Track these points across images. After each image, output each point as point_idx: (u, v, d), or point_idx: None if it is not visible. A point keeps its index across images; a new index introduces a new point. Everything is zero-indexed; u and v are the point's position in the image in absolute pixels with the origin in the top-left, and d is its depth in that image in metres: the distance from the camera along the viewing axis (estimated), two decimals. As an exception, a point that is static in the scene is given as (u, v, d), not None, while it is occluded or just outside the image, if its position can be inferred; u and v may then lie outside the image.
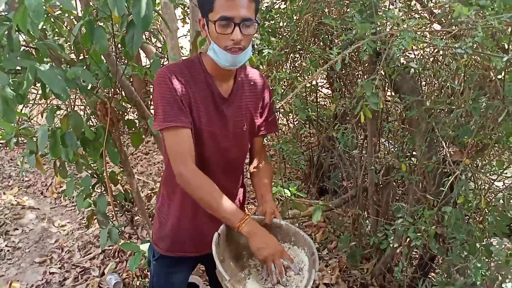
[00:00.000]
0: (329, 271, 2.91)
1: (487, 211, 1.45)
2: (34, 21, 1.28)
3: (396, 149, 2.50)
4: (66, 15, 2.14)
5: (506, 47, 1.49)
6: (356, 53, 2.66)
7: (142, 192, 4.18)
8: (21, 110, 5.56)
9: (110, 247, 3.29)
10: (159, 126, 1.37)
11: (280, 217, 1.47)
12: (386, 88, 2.50)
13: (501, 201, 1.51)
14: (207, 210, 1.40)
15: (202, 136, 1.45)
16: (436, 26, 2.11)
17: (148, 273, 2.07)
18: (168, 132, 1.37)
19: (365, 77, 2.53)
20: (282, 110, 3.38)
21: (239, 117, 1.53)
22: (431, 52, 2.30)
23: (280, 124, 4.56)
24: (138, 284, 2.84)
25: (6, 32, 1.41)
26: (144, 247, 2.10)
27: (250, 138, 1.61)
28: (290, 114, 3.80)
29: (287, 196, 2.59)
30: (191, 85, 1.42)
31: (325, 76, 3.52)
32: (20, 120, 5.38)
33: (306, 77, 2.22)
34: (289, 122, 4.44)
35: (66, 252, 3.38)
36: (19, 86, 1.47)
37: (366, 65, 2.61)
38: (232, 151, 1.54)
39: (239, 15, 1.28)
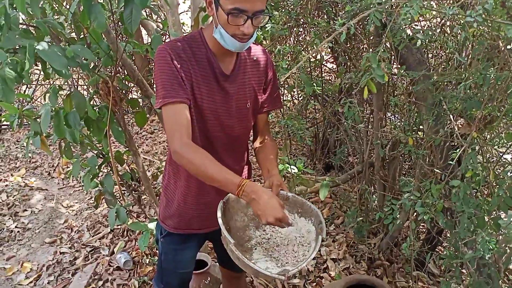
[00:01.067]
0: (336, 246, 2.92)
1: (495, 184, 1.43)
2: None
3: (402, 123, 2.47)
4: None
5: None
6: (361, 26, 2.61)
7: (149, 171, 4.19)
8: (24, 91, 5.56)
9: (119, 226, 3.32)
10: (159, 104, 1.35)
11: (287, 189, 1.46)
12: (392, 61, 2.45)
13: (509, 174, 1.49)
14: (206, 181, 1.36)
15: (205, 114, 1.43)
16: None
17: (157, 251, 2.08)
18: (165, 107, 1.34)
19: (371, 50, 2.48)
20: (287, 85, 3.35)
21: (242, 94, 1.50)
22: (438, 23, 2.24)
23: (285, 100, 4.52)
24: (147, 262, 2.87)
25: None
26: (152, 225, 2.11)
27: (254, 115, 1.59)
28: (295, 90, 3.77)
29: (294, 172, 2.57)
30: (192, 61, 1.39)
31: (329, 50, 3.47)
32: (23, 101, 5.39)
33: (310, 51, 2.18)
34: (293, 99, 4.40)
35: (75, 232, 3.42)
36: (17, 65, 1.45)
37: (371, 38, 2.56)
38: (235, 129, 1.52)
39: (253, 9, 1.25)
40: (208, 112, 1.44)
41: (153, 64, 5.19)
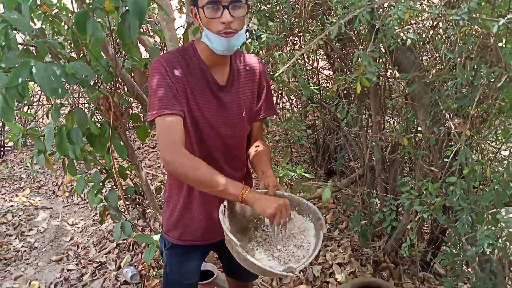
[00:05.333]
0: (341, 251, 2.93)
1: (491, 180, 1.46)
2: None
3: (400, 125, 2.49)
4: (64, 13, 2.15)
5: (503, 13, 1.48)
6: (355, 31, 2.64)
7: (152, 184, 4.21)
8: (26, 111, 5.61)
9: (124, 241, 3.33)
10: (153, 116, 1.36)
11: (282, 189, 1.49)
12: (386, 64, 2.48)
13: (502, 169, 1.51)
14: (206, 190, 1.38)
15: (201, 124, 1.46)
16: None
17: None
18: (159, 119, 1.35)
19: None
20: (286, 89, 3.37)
21: (237, 103, 1.53)
22: (430, 24, 2.27)
23: (284, 108, 4.55)
24: (154, 274, 2.88)
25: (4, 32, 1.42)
26: (158, 238, 2.13)
27: (249, 123, 1.61)
28: (293, 98, 3.80)
29: (295, 177, 2.59)
30: (187, 73, 1.42)
31: (326, 57, 3.51)
32: (26, 120, 5.44)
33: (305, 55, 2.21)
34: (292, 106, 4.43)
35: (81, 248, 3.43)
36: (18, 84, 1.48)
37: (365, 43, 2.60)
38: (232, 138, 1.55)
39: None
40: (204, 122, 1.46)
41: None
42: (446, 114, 1.80)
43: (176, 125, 1.36)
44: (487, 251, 1.36)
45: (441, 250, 2.50)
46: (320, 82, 3.78)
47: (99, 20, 1.92)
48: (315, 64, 3.69)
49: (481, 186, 2.00)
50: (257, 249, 1.42)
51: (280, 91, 3.53)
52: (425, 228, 3.01)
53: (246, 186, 1.34)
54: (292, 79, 3.19)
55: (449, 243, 1.90)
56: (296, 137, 2.26)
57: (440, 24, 2.22)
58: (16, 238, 3.66)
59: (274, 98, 4.11)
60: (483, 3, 1.44)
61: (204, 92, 1.45)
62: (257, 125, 1.68)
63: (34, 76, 1.47)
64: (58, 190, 4.59)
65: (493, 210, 1.45)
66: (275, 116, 1.79)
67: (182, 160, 1.32)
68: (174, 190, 1.65)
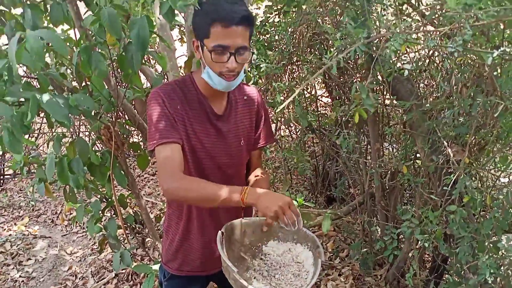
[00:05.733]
0: (342, 280, 2.90)
1: (491, 208, 1.46)
2: (36, 62, 1.33)
3: (399, 153, 2.50)
4: (67, 44, 2.19)
5: (498, 43, 1.51)
6: (353, 61, 2.69)
7: (151, 213, 4.19)
8: (27, 138, 5.63)
9: (123, 271, 3.29)
10: (153, 146, 1.38)
11: None
12: (384, 93, 2.52)
13: (501, 197, 1.51)
14: (207, 205, 1.38)
15: (199, 153, 1.48)
16: (430, 28, 2.14)
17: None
18: (158, 148, 1.37)
19: (363, 83, 2.55)
20: (283, 118, 3.41)
21: (235, 133, 1.55)
22: (426, 54, 2.32)
23: (283, 136, 4.57)
24: (153, 305, 2.84)
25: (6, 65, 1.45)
26: (157, 268, 2.11)
27: (248, 152, 1.63)
28: (292, 125, 3.83)
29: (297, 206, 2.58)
30: (184, 103, 1.44)
31: (324, 85, 3.56)
32: (27, 149, 5.45)
33: (304, 85, 2.25)
34: (291, 133, 4.46)
35: (80, 278, 3.39)
36: (23, 116, 1.50)
37: (363, 72, 2.64)
38: (230, 166, 1.56)
39: (234, 44, 1.31)
40: (203, 151, 1.48)
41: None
42: (444, 142, 1.82)
43: (174, 153, 1.38)
44: (489, 280, 1.35)
45: (444, 278, 2.47)
46: (319, 109, 3.82)
47: (100, 50, 1.96)
48: (313, 92, 3.74)
49: (481, 213, 2.00)
50: (254, 278, 1.41)
51: (279, 119, 3.56)
52: (427, 256, 2.98)
53: (245, 188, 1.31)
54: (292, 107, 3.23)
55: (451, 272, 1.89)
56: (300, 169, 2.27)
57: (436, 53, 2.27)
58: (14, 268, 3.62)
59: (274, 125, 4.14)
60: (477, 33, 1.48)
61: (202, 122, 1.47)
62: (256, 153, 1.69)
63: (44, 106, 1.50)
64: (57, 219, 4.56)
65: (494, 239, 1.44)
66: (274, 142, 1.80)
67: (178, 183, 1.33)
68: (173, 220, 1.65)
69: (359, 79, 2.94)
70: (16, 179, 5.67)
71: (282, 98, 2.37)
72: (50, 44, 1.77)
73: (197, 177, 1.48)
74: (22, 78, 1.76)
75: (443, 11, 1.68)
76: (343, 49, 1.83)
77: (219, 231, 1.40)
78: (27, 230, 4.29)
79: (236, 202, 1.30)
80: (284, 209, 1.27)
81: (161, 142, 1.37)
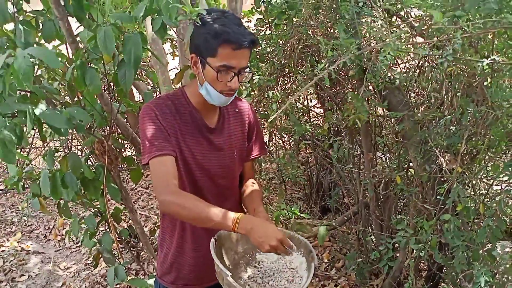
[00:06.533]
0: (339, 290, 2.89)
1: (484, 216, 1.47)
2: (24, 81, 1.35)
3: (392, 162, 2.52)
4: (60, 59, 2.20)
5: (486, 54, 1.53)
6: (344, 72, 2.72)
7: (146, 226, 4.16)
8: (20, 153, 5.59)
9: (118, 285, 3.26)
10: (147, 159, 1.39)
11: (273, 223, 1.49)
12: (376, 103, 2.54)
13: (495, 205, 1.53)
14: (199, 225, 1.40)
15: (192, 166, 1.48)
16: (419, 40, 2.17)
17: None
18: (152, 161, 1.38)
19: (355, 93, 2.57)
20: (278, 128, 3.42)
21: (229, 145, 1.57)
22: (416, 64, 2.35)
23: (277, 147, 4.58)
24: (148, 320, 2.81)
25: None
26: (152, 282, 2.10)
27: (241, 164, 1.64)
28: (286, 135, 3.84)
29: (292, 217, 2.59)
30: (177, 117, 1.46)
31: (316, 96, 3.58)
32: (20, 163, 5.41)
33: (297, 96, 2.26)
34: (285, 144, 4.47)
35: (73, 294, 3.35)
36: (16, 127, 1.51)
37: (354, 82, 2.66)
38: (224, 178, 1.57)
39: (239, 66, 1.35)
40: (196, 164, 1.49)
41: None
42: (437, 151, 1.83)
43: (169, 165, 1.39)
44: (485, 289, 1.36)
45: (439, 287, 2.47)
46: (312, 120, 3.84)
47: (94, 65, 1.97)
48: (305, 103, 3.75)
49: (475, 221, 2.01)
50: (248, 285, 1.41)
51: (272, 129, 3.57)
52: (422, 264, 2.98)
53: (237, 217, 1.31)
54: (284, 118, 3.24)
55: (447, 280, 1.89)
56: (292, 175, 2.28)
57: (426, 63, 2.29)
58: (6, 285, 3.57)
59: (267, 136, 4.15)
60: (466, 45, 1.50)
61: (194, 135, 1.49)
62: (249, 164, 1.70)
63: (41, 116, 1.52)
64: (50, 234, 4.51)
65: (488, 247, 1.45)
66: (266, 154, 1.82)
67: (173, 197, 1.34)
68: (167, 233, 1.65)
69: (350, 90, 2.96)
70: (8, 194, 5.62)
71: (277, 106, 2.39)
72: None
73: (191, 189, 1.49)
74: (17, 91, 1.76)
75: (432, 22, 1.70)
76: (334, 60, 1.86)
77: (212, 238, 1.40)
78: (20, 246, 4.24)
79: (228, 229, 1.32)
80: (277, 246, 1.29)
81: (155, 154, 1.38)
